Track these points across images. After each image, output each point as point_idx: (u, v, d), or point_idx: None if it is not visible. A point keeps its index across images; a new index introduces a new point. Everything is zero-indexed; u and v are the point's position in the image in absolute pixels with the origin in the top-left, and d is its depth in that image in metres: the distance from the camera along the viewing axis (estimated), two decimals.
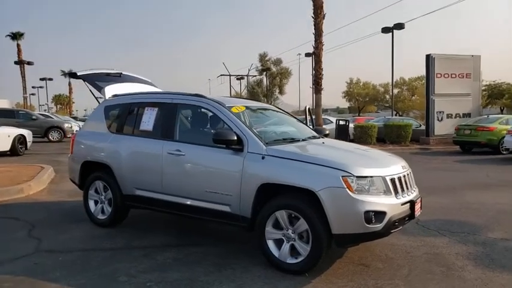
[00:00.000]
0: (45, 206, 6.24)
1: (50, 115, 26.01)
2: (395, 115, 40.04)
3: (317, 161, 3.56)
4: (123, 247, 4.36)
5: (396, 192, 3.57)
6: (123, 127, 4.95)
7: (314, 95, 17.01)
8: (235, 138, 3.88)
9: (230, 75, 51.73)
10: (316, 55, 16.66)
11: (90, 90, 5.65)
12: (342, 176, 3.38)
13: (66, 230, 4.93)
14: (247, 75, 53.94)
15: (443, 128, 18.42)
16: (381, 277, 3.56)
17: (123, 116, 5.01)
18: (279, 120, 5.00)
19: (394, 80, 64.57)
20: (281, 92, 56.57)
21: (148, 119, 4.70)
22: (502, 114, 27.46)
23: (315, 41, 16.40)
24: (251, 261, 3.90)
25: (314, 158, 3.62)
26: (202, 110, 4.54)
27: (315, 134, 4.83)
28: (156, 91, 5.16)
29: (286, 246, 3.65)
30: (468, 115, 18.75)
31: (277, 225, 3.71)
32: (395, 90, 63.06)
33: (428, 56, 18.33)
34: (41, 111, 41.00)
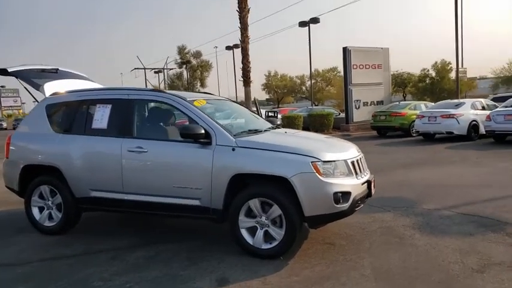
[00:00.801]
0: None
1: None
2: (312, 105, 42.13)
3: (287, 150, 3.75)
4: (85, 252, 4.16)
5: (356, 173, 3.90)
6: (72, 126, 4.66)
7: (243, 88, 17.25)
8: (203, 131, 3.91)
9: (145, 69, 50.07)
10: (243, 49, 16.90)
11: (26, 88, 5.20)
12: (311, 162, 3.61)
13: (11, 242, 4.54)
14: (163, 68, 52.55)
15: (360, 115, 19.87)
16: (347, 252, 3.88)
17: (70, 114, 4.72)
18: (238, 112, 5.10)
19: (311, 72, 67.65)
20: (202, 85, 56.17)
21: (101, 117, 4.49)
22: (405, 101, 30.25)
23: (241, 34, 16.63)
24: (224, 251, 3.98)
25: (283, 147, 3.80)
26: (163, 105, 4.47)
27: (271, 125, 5.01)
28: (107, 87, 4.91)
29: (260, 233, 3.79)
30: (381, 102, 20.45)
31: (249, 214, 3.83)
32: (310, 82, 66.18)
33: (345, 49, 19.58)
34: None
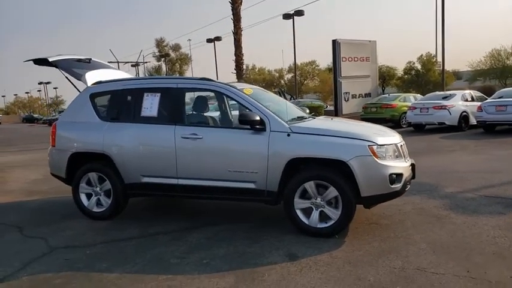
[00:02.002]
0: (12, 207, 5.67)
1: None
2: (290, 99, 42.58)
3: (342, 134, 4.00)
4: (141, 235, 4.31)
5: (404, 156, 4.20)
6: (119, 115, 4.76)
7: (236, 80, 17.38)
8: (259, 118, 4.11)
9: (118, 62, 49.10)
10: (236, 40, 17.02)
11: (67, 77, 5.24)
12: (368, 146, 3.87)
13: (64, 227, 4.64)
14: (137, 62, 51.79)
15: (349, 107, 20.29)
16: (395, 230, 4.17)
17: (117, 103, 4.82)
18: (278, 101, 5.30)
19: (287, 66, 67.84)
20: None
21: (151, 105, 4.62)
22: (383, 93, 31.07)
23: (234, 26, 16.75)
24: (279, 231, 4.21)
25: (338, 132, 4.05)
26: (213, 93, 4.63)
27: (307, 113, 5.24)
28: (154, 77, 5.01)
29: (315, 213, 4.04)
30: (369, 95, 20.94)
31: (304, 195, 4.07)
32: (290, 75, 66.64)
33: (334, 41, 19.90)
34: None
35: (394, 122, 16.74)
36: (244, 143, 4.23)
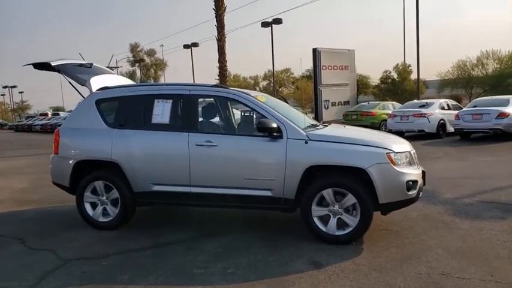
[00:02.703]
0: (6, 218, 5.41)
1: None
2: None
3: (360, 142, 4.05)
4: (154, 246, 4.20)
5: (416, 164, 4.30)
6: (128, 121, 4.64)
7: None
8: (276, 126, 4.12)
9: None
10: (220, 47, 16.99)
11: (70, 83, 5.07)
12: (386, 153, 3.95)
13: (71, 238, 4.46)
14: (109, 66, 50.45)
15: (329, 115, 20.61)
16: (407, 236, 4.26)
17: (125, 109, 4.70)
18: (290, 108, 5.31)
19: (263, 73, 68.16)
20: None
21: (162, 112, 4.53)
22: (357, 102, 31.83)
23: (218, 33, 16.72)
24: (294, 239, 4.20)
25: (356, 140, 4.10)
26: (227, 100, 4.60)
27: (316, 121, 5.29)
28: (164, 83, 4.92)
29: (333, 221, 4.06)
30: (347, 103, 21.35)
31: (321, 203, 4.09)
32: (264, 83, 67.25)
33: (315, 50, 20.20)
34: None
35: (373, 129, 17.13)
36: (261, 151, 4.22)
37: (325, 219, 4.10)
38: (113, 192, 4.63)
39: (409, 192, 3.99)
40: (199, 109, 4.78)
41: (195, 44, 37.47)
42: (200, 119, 4.57)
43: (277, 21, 29.64)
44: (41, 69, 5.10)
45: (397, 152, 4.02)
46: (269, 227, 4.75)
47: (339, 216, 4.05)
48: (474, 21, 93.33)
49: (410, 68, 29.46)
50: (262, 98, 4.63)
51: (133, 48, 53.69)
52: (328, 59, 20.51)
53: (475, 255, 3.69)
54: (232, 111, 5.32)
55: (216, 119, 4.80)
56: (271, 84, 67.84)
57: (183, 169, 4.36)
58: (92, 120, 4.74)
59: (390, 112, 17.04)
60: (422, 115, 14.46)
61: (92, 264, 3.71)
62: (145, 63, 52.63)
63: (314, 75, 20.91)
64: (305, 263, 3.60)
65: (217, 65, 16.72)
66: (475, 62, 39.19)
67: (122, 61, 50.98)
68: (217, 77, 17.02)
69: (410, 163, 4.18)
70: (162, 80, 55.26)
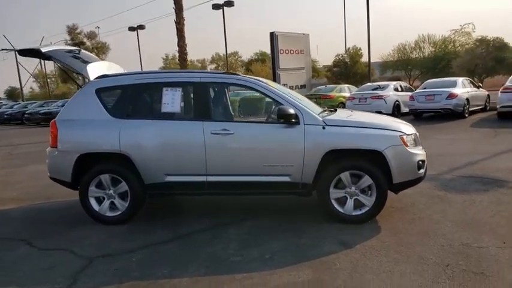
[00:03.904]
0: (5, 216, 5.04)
1: None
2: None
3: (375, 126, 4.25)
4: (177, 236, 4.14)
5: (420, 144, 4.59)
6: (135, 111, 4.48)
7: None
8: (294, 112, 4.18)
9: (15, 50, 44.32)
10: (179, 30, 16.48)
11: (64, 71, 4.74)
12: (400, 136, 4.17)
13: (81, 235, 4.27)
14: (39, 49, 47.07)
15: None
16: (415, 212, 4.55)
17: (131, 98, 4.51)
18: (296, 94, 5.35)
19: (211, 56, 67.22)
20: None
21: (172, 100, 4.41)
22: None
23: (176, 15, 16.20)
24: (311, 222, 4.34)
25: (370, 124, 4.29)
26: (241, 87, 4.57)
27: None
28: (170, 70, 4.73)
29: (350, 202, 4.25)
30: (304, 86, 21.77)
31: (337, 185, 4.26)
32: (212, 66, 66.37)
33: (272, 34, 20.28)
34: None
35: None
36: (279, 137, 4.26)
37: (341, 201, 4.27)
38: (121, 185, 4.46)
39: (419, 171, 4.27)
40: (219, 96, 4.70)
41: (141, 27, 35.90)
42: (215, 107, 4.51)
43: (229, 3, 29.28)
44: (28, 56, 4.71)
45: (408, 134, 4.27)
46: (282, 211, 4.84)
47: (356, 197, 4.24)
48: (413, 8, 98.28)
49: (361, 51, 30.66)
50: (273, 84, 4.66)
51: (71, 30, 50.18)
52: (285, 42, 20.70)
53: (480, 225, 4.05)
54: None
55: (230, 106, 4.76)
56: (219, 68, 67.25)
57: (199, 158, 4.30)
58: (93, 111, 4.50)
59: (346, 95, 17.71)
60: (379, 97, 15.19)
61: (120, 260, 3.59)
62: (85, 46, 49.50)
63: (272, 59, 21.02)
64: (334, 244, 3.75)
65: (177, 48, 16.27)
66: (413, 45, 41.57)
67: (59, 44, 47.63)
68: (177, 62, 16.55)
69: (417, 144, 4.45)
70: None
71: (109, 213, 4.52)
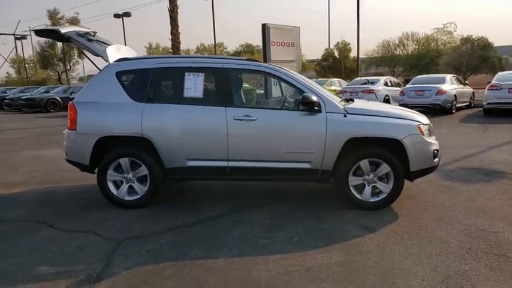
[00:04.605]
0: (9, 201, 4.96)
1: None
2: None
3: (394, 115, 4.37)
4: (200, 220, 4.18)
5: (433, 134, 4.75)
6: (157, 95, 4.46)
7: None
8: (317, 100, 4.26)
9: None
10: (172, 18, 16.24)
11: (83, 53, 4.67)
12: (417, 125, 4.31)
13: (102, 218, 4.26)
14: (14, 34, 45.70)
15: (277, 91, 20.98)
16: (425, 200, 4.72)
17: (153, 82, 4.48)
18: (315, 83, 5.41)
19: (195, 46, 66.57)
20: (80, 56, 50.85)
21: (194, 86, 4.42)
22: None
23: (170, 3, 15.95)
24: (329, 208, 4.46)
25: (390, 113, 4.41)
26: (263, 75, 4.61)
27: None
28: (193, 55, 4.72)
29: (368, 189, 4.38)
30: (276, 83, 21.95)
31: (356, 173, 4.38)
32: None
33: (264, 25, 20.10)
34: None
35: None
36: (301, 124, 4.34)
37: (359, 188, 4.40)
38: (140, 169, 4.46)
39: (434, 160, 4.43)
40: (241, 83, 4.73)
41: (127, 14, 35.17)
42: (238, 93, 4.54)
43: None
44: (44, 37, 4.62)
45: (424, 124, 4.41)
46: (298, 197, 4.94)
47: (373, 184, 4.37)
48: (398, 6, 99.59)
49: (349, 46, 31.04)
50: (294, 72, 4.71)
51: (52, 15, 48.74)
52: (277, 35, 20.62)
53: (491, 212, 4.24)
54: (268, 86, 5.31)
55: (252, 93, 4.79)
56: None
57: (221, 143, 4.34)
58: (113, 94, 4.47)
59: (337, 88, 17.92)
60: (370, 91, 15.44)
61: (149, 243, 3.61)
62: None
63: (263, 51, 20.90)
64: (357, 228, 3.87)
65: (170, 37, 16.05)
66: (397, 42, 42.24)
67: (40, 27, 46.13)
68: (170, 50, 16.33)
69: (431, 134, 4.60)
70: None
71: (127, 197, 4.52)
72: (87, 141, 4.42)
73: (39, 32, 4.67)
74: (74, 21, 48.32)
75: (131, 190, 4.54)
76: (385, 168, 4.30)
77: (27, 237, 3.80)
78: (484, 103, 13.17)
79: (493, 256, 3.22)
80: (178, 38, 16.48)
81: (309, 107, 4.24)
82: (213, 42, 53.63)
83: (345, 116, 4.30)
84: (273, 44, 20.35)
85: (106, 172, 4.46)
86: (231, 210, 4.47)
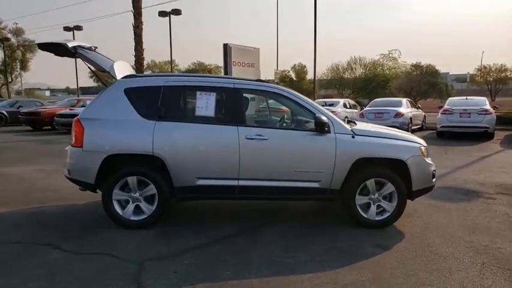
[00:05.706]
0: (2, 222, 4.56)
1: None
2: None
3: (398, 137, 4.63)
4: (215, 240, 4.12)
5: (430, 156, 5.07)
6: (168, 113, 4.38)
7: None
8: (327, 121, 4.42)
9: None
10: (136, 35, 15.92)
11: (89, 68, 4.49)
12: (419, 147, 4.59)
13: (111, 240, 4.06)
14: None
15: (252, 108, 21.21)
16: (421, 218, 4.98)
17: (164, 100, 4.40)
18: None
19: (146, 63, 65.65)
20: (23, 68, 48.03)
21: (206, 104, 4.41)
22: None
23: (135, 20, 15.68)
24: (335, 227, 4.57)
25: (394, 135, 4.66)
26: (274, 95, 4.69)
27: None
28: (203, 75, 4.67)
29: (373, 207, 4.56)
30: (253, 99, 22.19)
31: (361, 192, 4.55)
32: (148, 72, 64.60)
33: (225, 45, 20.42)
34: None
35: None
36: (311, 144, 4.45)
37: (364, 207, 4.56)
38: (149, 188, 4.33)
39: (433, 180, 4.72)
40: (252, 103, 4.76)
41: (78, 27, 33.92)
42: (249, 113, 4.58)
43: (177, 12, 29.02)
44: (48, 51, 4.40)
45: (424, 146, 4.71)
46: (303, 214, 5.04)
47: (378, 203, 4.56)
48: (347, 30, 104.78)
49: (305, 68, 32.14)
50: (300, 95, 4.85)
51: None
52: (237, 55, 20.99)
53: (485, 230, 4.56)
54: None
55: (262, 113, 4.84)
56: None
57: (232, 162, 4.33)
58: (121, 111, 4.33)
59: None
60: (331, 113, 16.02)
61: (174, 264, 3.50)
62: (10, 43, 45.38)
63: (224, 71, 21.11)
64: (372, 246, 4.01)
65: (134, 53, 15.71)
66: (346, 66, 44.47)
67: None
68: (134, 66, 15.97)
69: (428, 155, 4.91)
70: (31, 64, 48.61)
71: (133, 217, 4.35)
72: (94, 159, 4.22)
73: (42, 46, 4.43)
74: (17, 31, 45.78)
75: (137, 210, 4.37)
76: (389, 187, 4.51)
77: (38, 260, 3.53)
78: (438, 126, 14.16)
79: (506, 271, 3.47)
80: (142, 54, 16.20)
81: (320, 127, 4.37)
82: (163, 59, 53.15)
83: (353, 137, 4.48)
84: (234, 64, 20.67)
85: (112, 191, 4.28)
86: (241, 229, 4.44)
